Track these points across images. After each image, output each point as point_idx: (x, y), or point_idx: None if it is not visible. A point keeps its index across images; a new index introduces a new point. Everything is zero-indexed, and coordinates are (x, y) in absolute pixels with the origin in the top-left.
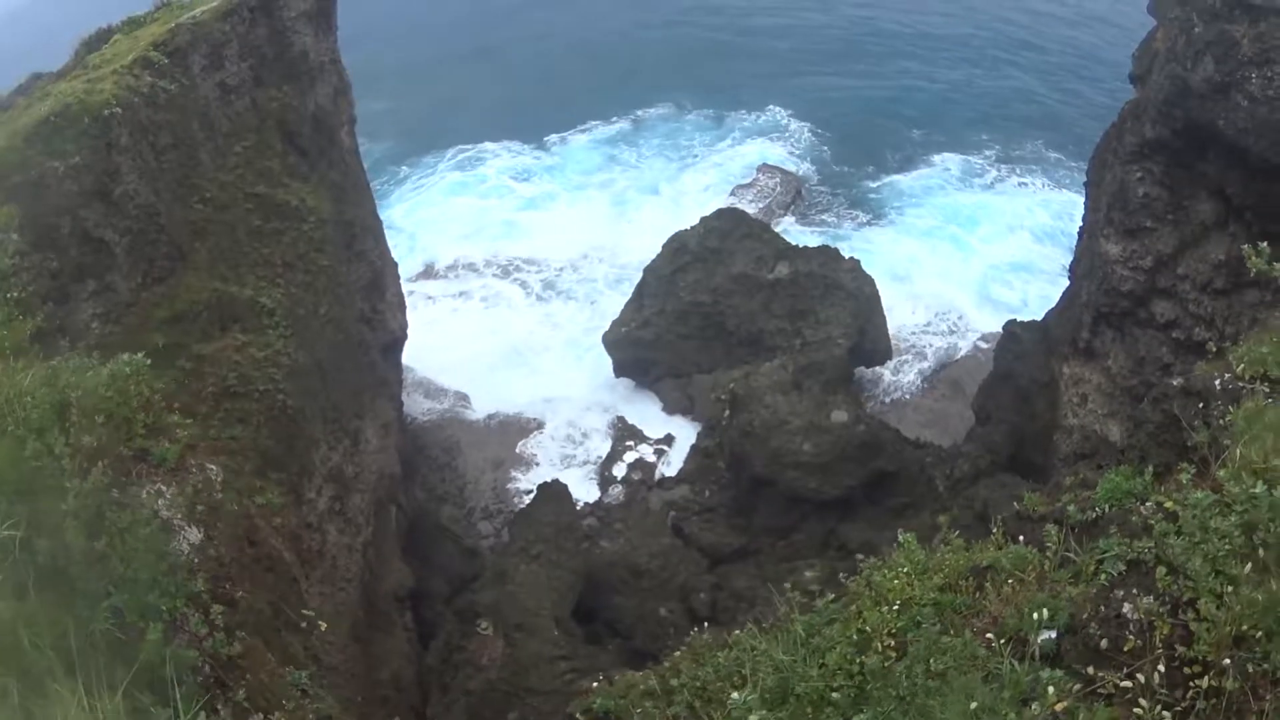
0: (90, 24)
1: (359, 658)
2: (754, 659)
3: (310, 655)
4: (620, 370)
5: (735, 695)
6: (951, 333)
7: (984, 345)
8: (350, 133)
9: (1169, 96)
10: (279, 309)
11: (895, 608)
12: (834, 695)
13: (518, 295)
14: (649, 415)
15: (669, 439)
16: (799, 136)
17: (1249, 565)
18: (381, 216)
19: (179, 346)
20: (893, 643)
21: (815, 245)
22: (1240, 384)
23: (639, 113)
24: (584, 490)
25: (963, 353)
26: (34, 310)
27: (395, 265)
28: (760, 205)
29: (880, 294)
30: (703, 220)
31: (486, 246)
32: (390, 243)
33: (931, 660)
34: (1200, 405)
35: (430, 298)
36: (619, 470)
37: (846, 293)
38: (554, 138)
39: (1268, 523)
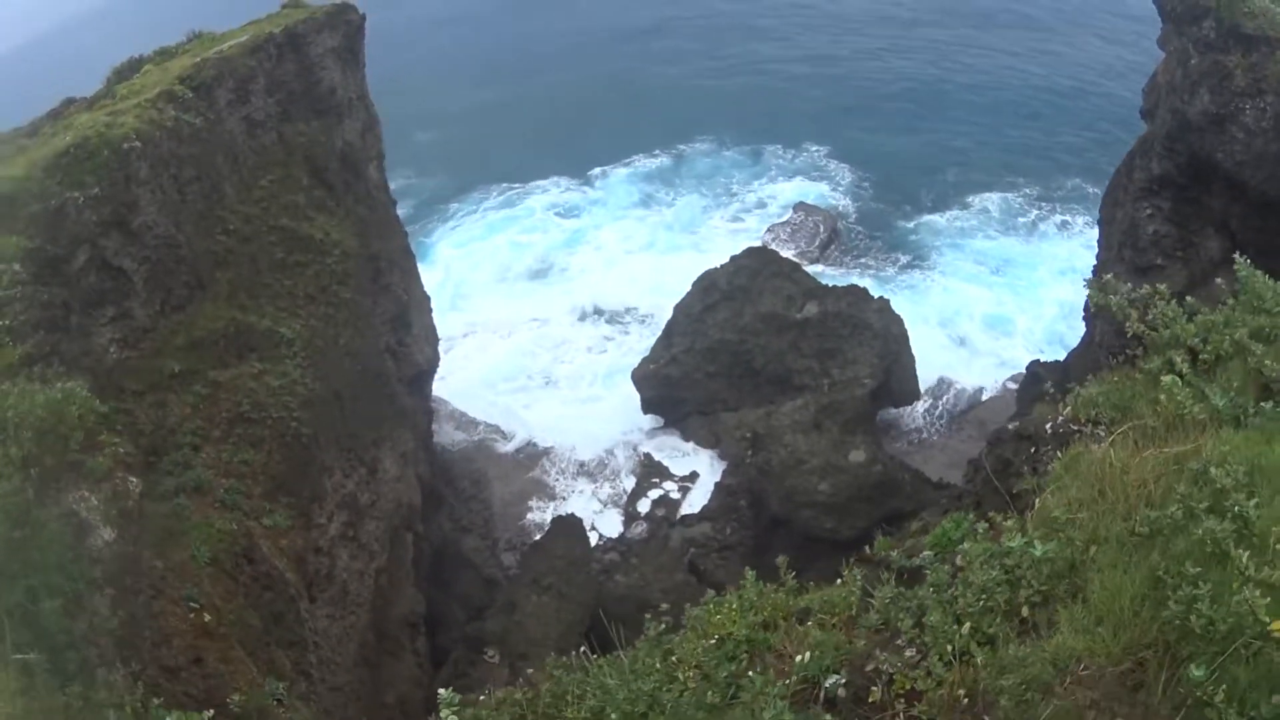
0: (127, 46)
1: (366, 680)
2: (581, 682)
3: (301, 671)
4: (648, 407)
5: (443, 691)
6: (982, 374)
7: (1012, 386)
8: (379, 168)
9: (1171, 131)
10: (298, 339)
11: (712, 641)
12: (611, 716)
13: (550, 332)
14: (675, 452)
15: (693, 476)
16: (836, 176)
17: (1013, 621)
18: (426, 252)
19: (195, 373)
20: (694, 674)
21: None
22: (1074, 428)
23: (681, 147)
24: (609, 525)
25: (990, 393)
26: (25, 338)
27: (427, 299)
28: (795, 244)
29: (913, 335)
30: (733, 259)
31: (525, 283)
32: (432, 278)
33: (710, 693)
34: (1032, 450)
35: (467, 333)
36: (643, 506)
37: (874, 332)
38: (597, 171)
39: (1030, 579)
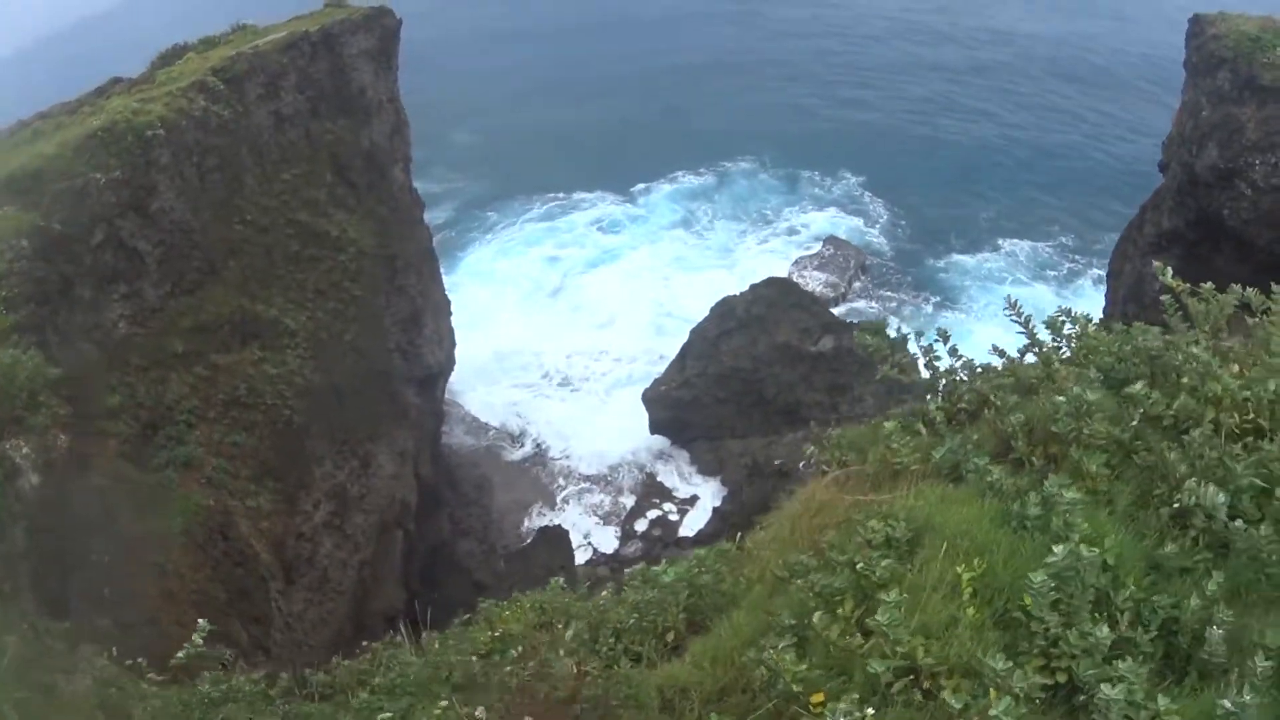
0: (182, 28)
1: None
2: (392, 657)
3: (260, 647)
4: (656, 427)
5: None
6: None
7: None
8: (405, 170)
9: (1180, 185)
10: (302, 331)
11: (496, 634)
12: (375, 680)
13: (570, 345)
14: (678, 474)
15: (693, 500)
16: (871, 210)
17: (663, 643)
18: (460, 258)
19: (198, 354)
20: (471, 659)
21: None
22: (824, 469)
23: (724, 164)
24: (604, 541)
25: None
26: (18, 308)
27: (447, 303)
28: (823, 277)
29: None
30: (752, 287)
31: (553, 295)
32: (462, 283)
33: (452, 674)
34: (789, 487)
35: (488, 340)
36: (640, 525)
37: None
38: (641, 187)
39: (671, 605)
